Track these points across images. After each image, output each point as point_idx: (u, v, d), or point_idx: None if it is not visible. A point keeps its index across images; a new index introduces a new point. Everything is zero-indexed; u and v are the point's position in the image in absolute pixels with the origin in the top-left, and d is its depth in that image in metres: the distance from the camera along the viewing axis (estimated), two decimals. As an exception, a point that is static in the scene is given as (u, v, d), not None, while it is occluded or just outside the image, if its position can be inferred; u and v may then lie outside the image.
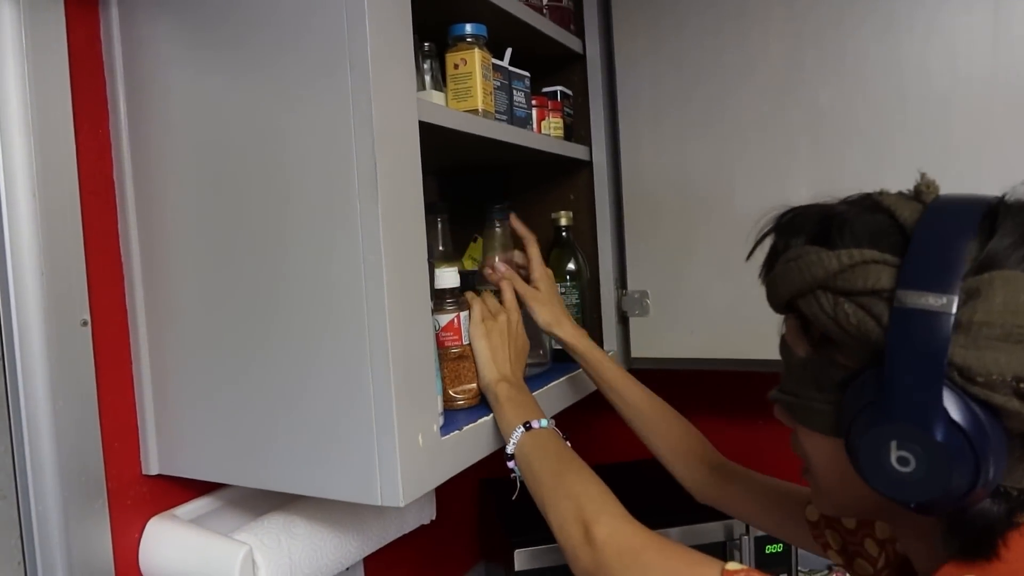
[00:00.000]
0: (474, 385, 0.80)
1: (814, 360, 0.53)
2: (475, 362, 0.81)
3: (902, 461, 0.46)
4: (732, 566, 0.55)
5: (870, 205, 0.51)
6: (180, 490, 0.80)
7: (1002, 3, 0.88)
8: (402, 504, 0.61)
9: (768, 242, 0.58)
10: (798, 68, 0.97)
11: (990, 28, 0.88)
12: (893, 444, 0.46)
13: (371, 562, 1.09)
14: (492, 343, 0.81)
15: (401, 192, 0.62)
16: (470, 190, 1.21)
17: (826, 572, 1.25)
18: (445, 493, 1.00)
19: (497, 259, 0.92)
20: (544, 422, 0.76)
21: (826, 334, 0.51)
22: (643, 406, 0.91)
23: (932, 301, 0.43)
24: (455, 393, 0.79)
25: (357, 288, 0.60)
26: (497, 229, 0.94)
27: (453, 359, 0.78)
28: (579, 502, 0.65)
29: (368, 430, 0.61)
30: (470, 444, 0.74)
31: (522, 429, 0.75)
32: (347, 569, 1.03)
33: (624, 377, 0.92)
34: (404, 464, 0.61)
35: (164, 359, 0.73)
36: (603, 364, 0.92)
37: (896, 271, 0.45)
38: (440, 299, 0.78)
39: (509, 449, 0.75)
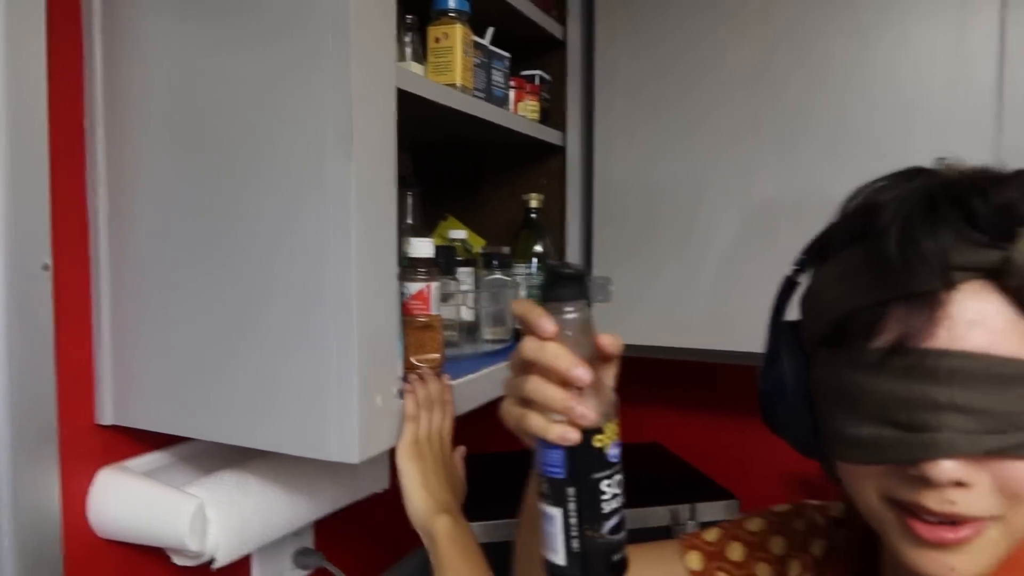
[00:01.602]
0: (438, 355, 0.81)
1: None
2: (404, 489, 0.71)
3: None
4: None
5: None
6: (133, 443, 0.79)
7: (966, 15, 0.91)
8: (356, 460, 0.62)
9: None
10: (769, 64, 1.00)
11: (953, 39, 0.92)
12: None
13: (322, 528, 1.09)
14: (424, 467, 0.71)
15: (375, 154, 0.63)
16: (444, 168, 1.22)
17: None
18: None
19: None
20: None
21: None
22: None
23: None
24: (417, 361, 0.80)
25: (324, 246, 0.61)
26: (571, 316, 0.52)
27: (419, 328, 0.79)
28: None
29: (327, 386, 0.62)
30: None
31: None
32: (297, 534, 1.04)
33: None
34: (361, 421, 0.62)
35: (125, 309, 0.73)
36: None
37: None
38: (413, 267, 0.78)
39: None
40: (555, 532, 0.52)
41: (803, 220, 0.68)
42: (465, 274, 0.98)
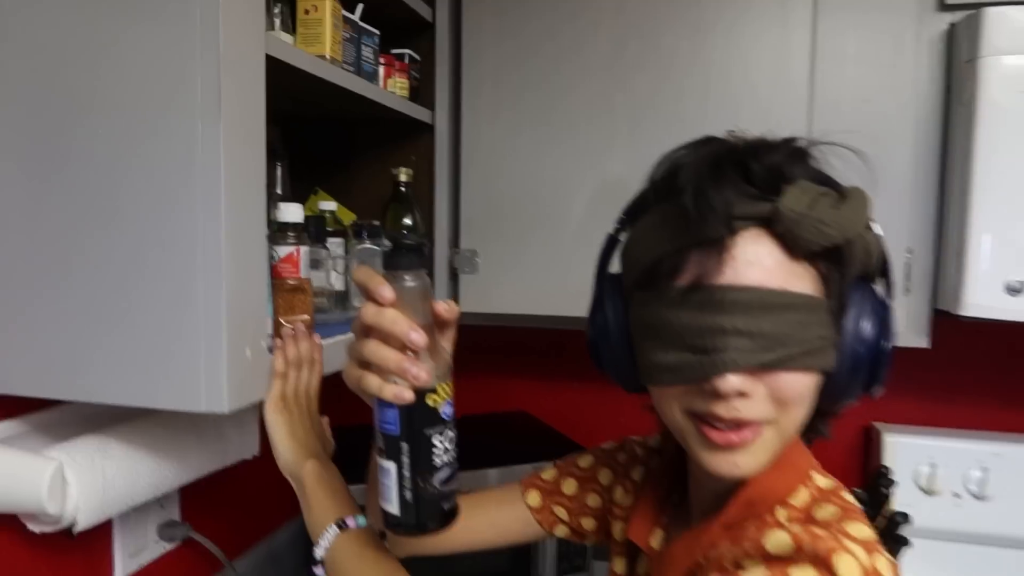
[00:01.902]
0: (307, 317, 0.83)
1: (829, 302, 0.54)
2: (272, 439, 0.72)
3: (889, 359, 0.56)
4: None
5: (801, 150, 0.56)
6: (-15, 408, 0.77)
7: (786, 18, 1.04)
8: (226, 410, 0.64)
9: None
10: (621, 54, 1.10)
11: (775, 39, 1.05)
12: (891, 348, 0.56)
13: (189, 500, 1.09)
14: (291, 419, 0.73)
15: (245, 116, 0.65)
16: (314, 144, 1.23)
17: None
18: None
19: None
20: (361, 520, 0.67)
21: (842, 267, 0.54)
22: None
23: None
24: (286, 322, 0.82)
25: (193, 204, 0.63)
26: (410, 284, 0.56)
27: (288, 290, 0.81)
28: None
29: (196, 340, 0.63)
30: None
31: (335, 529, 0.66)
32: (162, 506, 1.03)
33: None
34: (230, 371, 0.64)
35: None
36: None
37: None
38: (283, 232, 0.80)
39: (318, 553, 0.66)
40: (390, 484, 0.57)
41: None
42: (335, 244, 1.00)
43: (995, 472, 1.31)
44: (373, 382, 0.55)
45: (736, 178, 0.53)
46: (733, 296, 0.53)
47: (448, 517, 0.60)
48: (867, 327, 0.55)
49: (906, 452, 1.35)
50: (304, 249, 0.83)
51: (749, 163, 0.53)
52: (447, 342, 0.61)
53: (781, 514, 0.57)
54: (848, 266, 0.55)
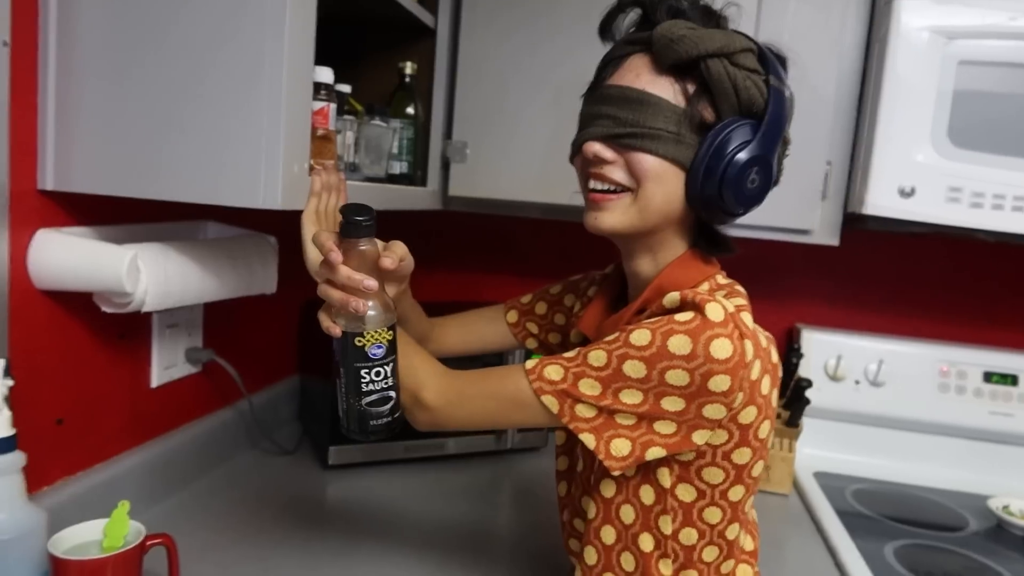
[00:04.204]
0: (333, 162, 1.02)
1: (687, 109, 0.73)
2: (304, 244, 0.80)
3: (752, 181, 0.74)
4: (529, 364, 0.75)
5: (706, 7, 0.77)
6: (67, 215, 0.94)
7: None
8: (279, 206, 0.82)
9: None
10: None
11: None
12: (755, 170, 0.73)
13: (211, 331, 1.27)
14: (321, 228, 0.82)
15: (301, -21, 0.83)
16: (327, 45, 1.39)
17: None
18: (275, 302, 1.15)
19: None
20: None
21: (711, 91, 0.72)
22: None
23: (786, 89, 0.76)
24: (316, 164, 1.00)
25: (263, 40, 0.80)
26: (362, 248, 0.72)
27: (319, 138, 0.99)
28: (405, 375, 0.77)
29: (259, 150, 0.82)
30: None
31: None
32: (189, 333, 1.21)
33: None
34: (284, 178, 0.82)
35: (69, 83, 0.86)
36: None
37: (759, 61, 0.74)
38: (316, 89, 0.98)
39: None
40: (338, 394, 0.75)
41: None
42: (349, 121, 1.18)
43: (888, 364, 1.56)
44: (322, 317, 0.72)
45: (640, 17, 0.79)
46: (609, 91, 0.76)
47: (375, 432, 0.74)
48: (719, 139, 0.72)
49: (819, 346, 1.59)
50: (332, 106, 1.01)
51: (646, 7, 0.78)
52: (393, 291, 0.80)
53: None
54: (712, 89, 0.72)
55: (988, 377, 1.55)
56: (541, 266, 1.77)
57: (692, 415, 0.70)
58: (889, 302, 1.66)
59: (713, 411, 0.70)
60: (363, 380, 0.72)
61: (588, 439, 0.72)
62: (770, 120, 0.73)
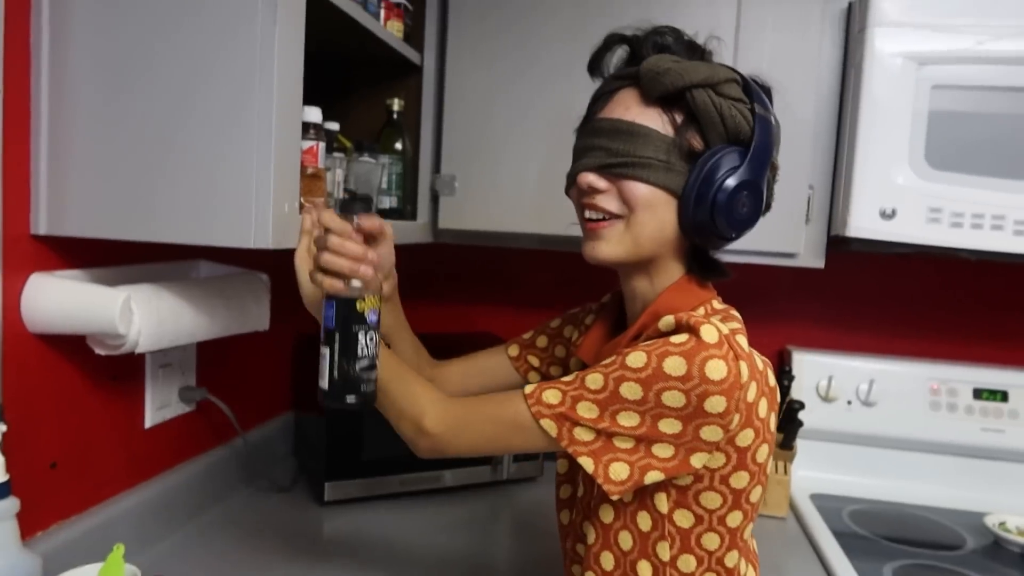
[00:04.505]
0: (323, 199, 1.03)
1: (676, 138, 0.76)
2: (300, 280, 0.81)
3: (743, 205, 0.76)
4: (528, 388, 0.76)
5: (690, 42, 0.81)
6: (60, 259, 0.95)
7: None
8: (270, 245, 0.83)
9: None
10: (584, 23, 1.31)
11: (706, 13, 1.27)
12: (744, 195, 0.76)
13: (205, 369, 1.28)
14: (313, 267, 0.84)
15: (291, 22, 0.85)
16: (315, 81, 1.42)
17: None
18: (267, 338, 1.15)
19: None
20: None
21: (698, 120, 0.75)
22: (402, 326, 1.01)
23: (771, 117, 0.78)
24: (306, 202, 1.02)
25: (251, 79, 0.82)
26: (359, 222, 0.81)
27: (309, 176, 1.01)
28: (405, 403, 0.80)
29: (250, 192, 0.83)
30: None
31: None
32: (182, 372, 1.22)
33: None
34: (275, 218, 0.84)
35: (60, 126, 0.88)
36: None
37: (743, 91, 0.77)
38: (305, 129, 1.00)
39: None
40: (324, 365, 0.77)
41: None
42: (338, 158, 1.20)
43: (879, 384, 1.57)
44: (326, 281, 0.75)
45: (628, 53, 0.82)
46: (600, 124, 0.79)
47: (362, 397, 0.77)
48: (708, 166, 0.75)
49: (810, 367, 1.60)
50: (322, 144, 1.03)
51: (632, 44, 0.81)
52: (383, 256, 0.83)
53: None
54: (699, 118, 0.75)
55: (978, 394, 1.56)
56: (534, 295, 1.78)
57: (689, 437, 0.71)
58: (878, 322, 1.68)
59: (710, 433, 0.70)
60: (359, 344, 0.76)
61: (587, 463, 0.73)
62: (757, 146, 0.76)
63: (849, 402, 1.58)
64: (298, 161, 0.91)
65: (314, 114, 1.01)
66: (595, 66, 0.85)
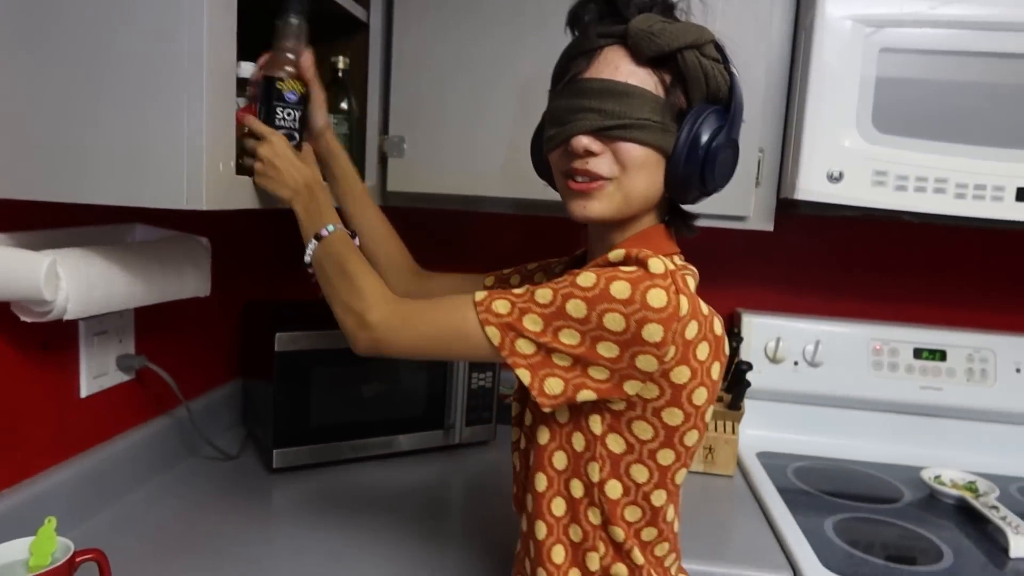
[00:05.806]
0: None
1: (667, 98, 0.77)
2: (280, 170, 0.88)
3: (728, 161, 0.79)
4: (479, 296, 0.77)
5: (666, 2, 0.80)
6: (-23, 221, 0.90)
7: None
8: (204, 207, 0.80)
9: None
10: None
11: None
12: (730, 151, 0.78)
13: (143, 336, 1.23)
14: (290, 153, 0.90)
15: (220, -29, 0.80)
16: (257, 41, 1.36)
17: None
18: (213, 305, 1.12)
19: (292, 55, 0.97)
20: (331, 227, 0.87)
21: (685, 81, 0.76)
22: (378, 223, 1.07)
23: (734, 70, 0.80)
24: (241, 161, 0.98)
25: (177, 18, 0.78)
26: (293, 21, 1.00)
27: (245, 135, 0.97)
28: (354, 295, 0.82)
29: (180, 147, 0.79)
30: (263, 193, 0.92)
31: (314, 242, 0.87)
32: (120, 340, 1.17)
33: (366, 196, 1.06)
34: (208, 178, 0.80)
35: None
36: (355, 178, 1.05)
37: (718, 50, 0.78)
38: (241, 85, 0.95)
39: (306, 259, 0.88)
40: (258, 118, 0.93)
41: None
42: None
43: (824, 344, 1.60)
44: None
45: (607, 11, 0.79)
46: (589, 84, 0.77)
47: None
48: (697, 124, 0.77)
49: (759, 329, 1.63)
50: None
51: (627, 3, 0.78)
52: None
53: None
54: (686, 78, 0.76)
55: (918, 353, 1.61)
56: (488, 258, 1.76)
57: (625, 364, 0.72)
58: (824, 284, 1.71)
59: (645, 362, 0.72)
60: (277, 116, 0.94)
61: (524, 375, 0.74)
62: (736, 104, 0.79)
63: (796, 363, 1.62)
64: (233, 118, 0.87)
65: (250, 69, 0.97)
66: (577, 20, 0.82)
